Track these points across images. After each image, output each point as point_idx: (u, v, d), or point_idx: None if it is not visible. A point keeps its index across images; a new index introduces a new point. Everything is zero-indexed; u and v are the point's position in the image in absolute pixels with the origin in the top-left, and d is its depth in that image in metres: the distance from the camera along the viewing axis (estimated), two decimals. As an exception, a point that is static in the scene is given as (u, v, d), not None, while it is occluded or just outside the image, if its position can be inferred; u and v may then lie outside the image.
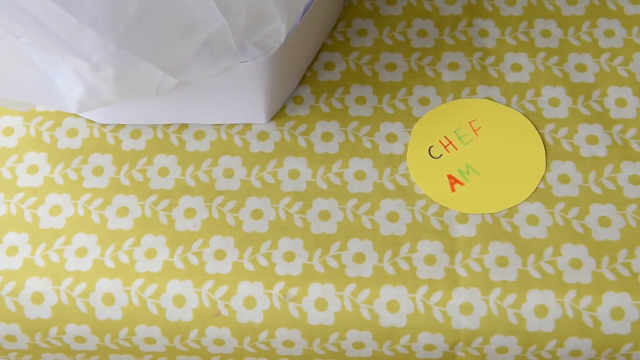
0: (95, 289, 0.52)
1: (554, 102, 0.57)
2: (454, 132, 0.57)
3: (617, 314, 0.50)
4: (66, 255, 0.53)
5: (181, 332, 0.52)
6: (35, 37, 0.44)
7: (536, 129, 0.56)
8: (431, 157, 0.56)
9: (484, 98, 0.58)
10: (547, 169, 0.55)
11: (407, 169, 0.55)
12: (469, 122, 0.57)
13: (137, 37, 0.44)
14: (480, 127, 0.57)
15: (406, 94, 0.58)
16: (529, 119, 0.57)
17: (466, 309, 0.51)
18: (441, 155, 0.56)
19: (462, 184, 0.55)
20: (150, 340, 0.52)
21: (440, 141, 0.56)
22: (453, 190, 0.55)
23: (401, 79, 0.59)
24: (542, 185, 0.54)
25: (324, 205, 0.54)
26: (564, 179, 0.54)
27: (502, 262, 0.52)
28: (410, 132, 0.57)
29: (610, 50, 0.59)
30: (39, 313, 0.52)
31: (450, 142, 0.56)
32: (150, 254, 0.53)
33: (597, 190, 0.54)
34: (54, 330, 0.52)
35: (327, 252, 0.53)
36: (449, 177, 0.55)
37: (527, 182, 0.54)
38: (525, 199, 0.54)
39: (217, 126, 0.58)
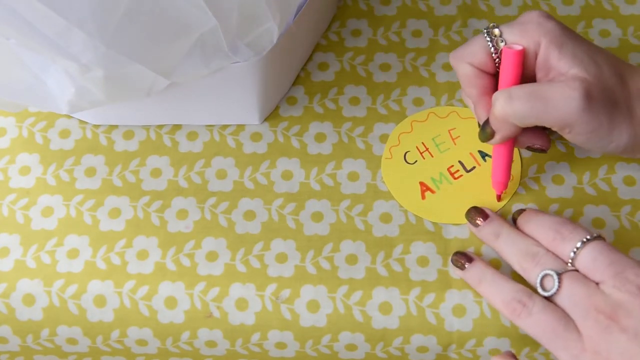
0: (86, 291, 0.52)
1: (549, 103, 0.57)
2: (432, 139, 0.56)
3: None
4: (58, 257, 0.53)
5: (173, 334, 0.51)
6: (24, 38, 0.44)
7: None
8: (406, 163, 0.55)
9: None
10: (539, 170, 0.55)
11: (400, 170, 0.55)
12: (449, 130, 0.56)
13: (127, 38, 0.44)
14: (459, 136, 0.56)
15: (400, 95, 0.58)
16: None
17: (459, 310, 0.51)
18: (416, 161, 0.55)
19: (433, 192, 0.54)
20: (142, 342, 0.52)
21: (417, 147, 0.56)
22: (423, 197, 0.54)
23: (395, 80, 0.59)
24: (535, 187, 0.54)
25: (316, 207, 0.54)
26: (558, 180, 0.54)
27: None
28: (404, 133, 0.57)
29: (605, 51, 0.59)
30: (30, 315, 0.52)
31: (427, 149, 0.56)
32: (142, 255, 0.53)
33: (591, 191, 0.54)
34: (45, 332, 0.52)
35: (320, 253, 0.52)
36: (421, 184, 0.54)
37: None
38: (503, 207, 0.53)
39: (210, 127, 0.57)
